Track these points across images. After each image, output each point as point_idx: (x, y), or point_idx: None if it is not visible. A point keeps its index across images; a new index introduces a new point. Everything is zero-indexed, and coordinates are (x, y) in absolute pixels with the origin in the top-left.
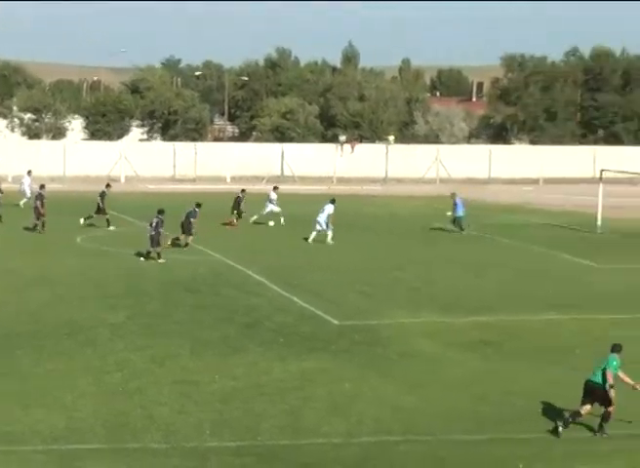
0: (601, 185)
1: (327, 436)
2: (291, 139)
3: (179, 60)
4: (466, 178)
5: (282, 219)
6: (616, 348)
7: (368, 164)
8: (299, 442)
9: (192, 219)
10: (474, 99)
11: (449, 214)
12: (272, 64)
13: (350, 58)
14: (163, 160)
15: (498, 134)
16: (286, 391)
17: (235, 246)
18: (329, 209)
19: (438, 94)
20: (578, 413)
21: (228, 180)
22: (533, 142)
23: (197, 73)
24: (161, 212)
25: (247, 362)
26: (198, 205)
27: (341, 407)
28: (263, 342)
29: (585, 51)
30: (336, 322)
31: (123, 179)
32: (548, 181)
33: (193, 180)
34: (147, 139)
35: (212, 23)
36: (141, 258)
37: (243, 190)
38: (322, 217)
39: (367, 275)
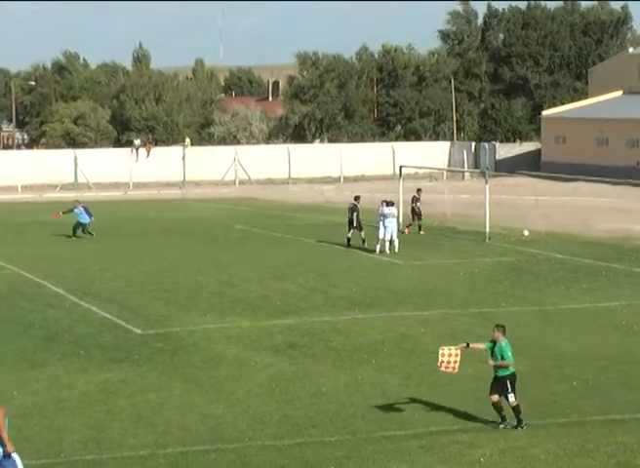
0: (401, 181)
1: (133, 448)
2: (84, 145)
3: None
4: (267, 179)
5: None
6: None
7: (165, 168)
8: (103, 456)
9: None
10: (271, 99)
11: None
12: (60, 68)
13: (141, 59)
14: None
15: (296, 133)
16: (89, 404)
17: (30, 256)
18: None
19: (234, 94)
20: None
21: (19, 190)
22: (332, 141)
23: None
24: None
25: (47, 376)
26: None
27: (147, 417)
28: (64, 355)
29: (375, 49)
30: (138, 331)
31: None
32: (349, 180)
33: None
34: None
35: None
36: None
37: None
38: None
39: (168, 281)
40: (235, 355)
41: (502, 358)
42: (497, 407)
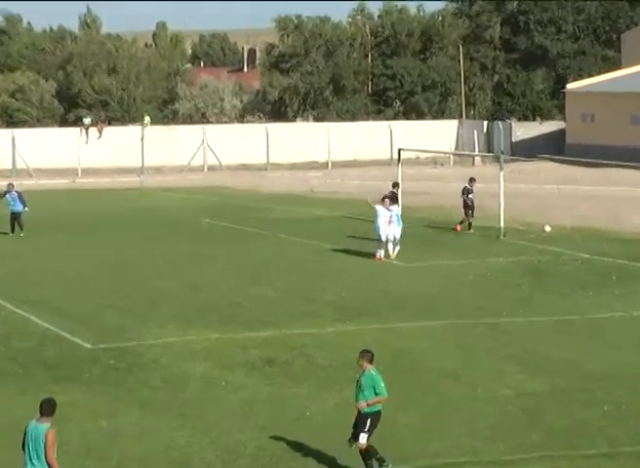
0: (400, 167)
1: None
2: (23, 124)
3: None
4: (240, 165)
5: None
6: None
7: (120, 151)
8: None
9: None
10: (246, 70)
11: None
12: None
13: (89, 23)
14: None
15: (276, 110)
16: None
17: None
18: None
19: (202, 63)
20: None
21: None
22: (318, 119)
23: None
24: None
25: None
26: None
27: (98, 447)
28: None
29: (374, 9)
30: (87, 345)
31: None
32: (338, 165)
33: None
34: None
35: None
36: None
37: (472, 180)
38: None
39: (125, 286)
40: (202, 373)
41: (375, 392)
42: (368, 452)
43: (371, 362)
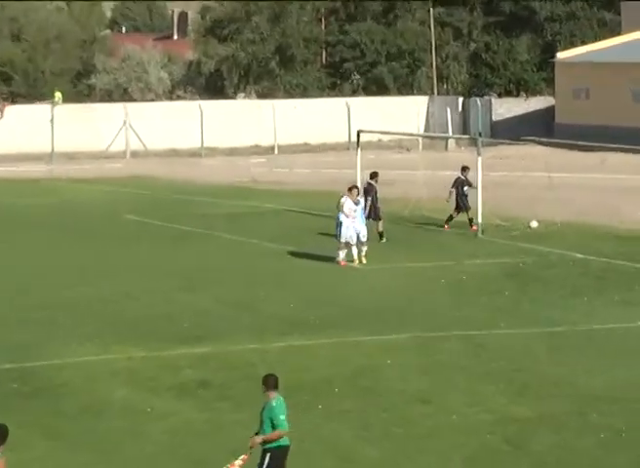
0: (359, 152)
1: None
2: None
3: None
4: (170, 150)
5: None
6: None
7: (26, 134)
8: None
9: None
10: (176, 37)
11: None
12: None
13: None
14: None
15: (212, 85)
16: None
17: None
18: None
19: (124, 29)
20: None
21: None
22: (262, 96)
23: None
24: None
25: None
26: None
27: None
28: None
29: None
30: None
31: None
32: (286, 150)
33: None
34: None
35: None
36: None
37: (374, 175)
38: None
39: (30, 295)
40: (124, 399)
41: (273, 425)
42: None
43: (275, 388)
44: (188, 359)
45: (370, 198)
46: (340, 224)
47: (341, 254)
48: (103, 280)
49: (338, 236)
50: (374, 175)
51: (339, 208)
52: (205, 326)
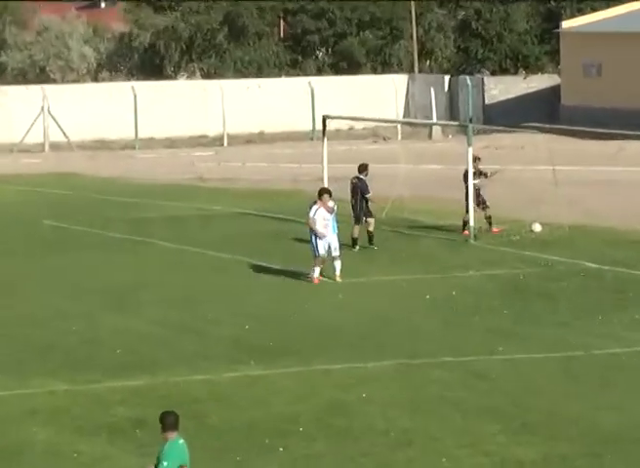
0: (325, 143)
1: None
2: None
3: None
4: (97, 141)
5: None
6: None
7: None
8: None
9: None
10: (104, 5)
11: None
12: None
13: None
14: None
15: (147, 62)
16: None
17: None
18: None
19: None
20: None
21: None
22: (209, 75)
23: None
24: None
25: None
26: None
27: None
28: None
29: None
30: None
31: None
32: (238, 140)
33: None
34: None
35: None
36: None
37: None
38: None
39: None
40: (45, 442)
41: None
42: None
43: (174, 429)
44: (121, 393)
45: (357, 197)
46: (315, 236)
47: (317, 271)
48: (17, 299)
49: (314, 250)
50: (363, 168)
51: (309, 224)
52: (140, 353)
